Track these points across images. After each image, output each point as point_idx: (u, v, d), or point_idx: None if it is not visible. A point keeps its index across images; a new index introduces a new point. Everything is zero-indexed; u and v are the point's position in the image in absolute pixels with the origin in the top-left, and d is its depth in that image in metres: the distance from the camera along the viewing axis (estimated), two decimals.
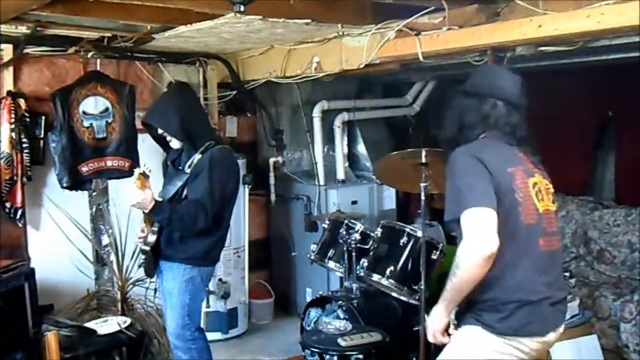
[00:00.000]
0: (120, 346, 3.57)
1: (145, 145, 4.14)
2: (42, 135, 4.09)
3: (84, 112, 4.17)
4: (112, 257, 4.21)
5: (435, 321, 2.25)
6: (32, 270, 3.67)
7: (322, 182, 5.21)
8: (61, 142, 4.06)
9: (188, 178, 3.22)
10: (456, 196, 2.11)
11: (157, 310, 4.02)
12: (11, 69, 3.99)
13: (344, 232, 3.91)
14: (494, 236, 2.03)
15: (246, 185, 4.73)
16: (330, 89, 5.44)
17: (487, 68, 2.80)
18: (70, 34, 3.95)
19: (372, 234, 3.87)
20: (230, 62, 4.83)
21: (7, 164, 3.87)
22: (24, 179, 3.94)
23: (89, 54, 4.19)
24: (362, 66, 3.82)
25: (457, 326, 2.26)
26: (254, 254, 5.11)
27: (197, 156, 3.23)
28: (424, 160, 3.20)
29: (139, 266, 4.04)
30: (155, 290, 3.49)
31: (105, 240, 4.45)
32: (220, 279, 4.58)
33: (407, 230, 3.67)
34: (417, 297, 3.51)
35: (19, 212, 3.98)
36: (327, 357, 3.39)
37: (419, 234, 3.52)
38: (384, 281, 3.63)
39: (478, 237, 2.03)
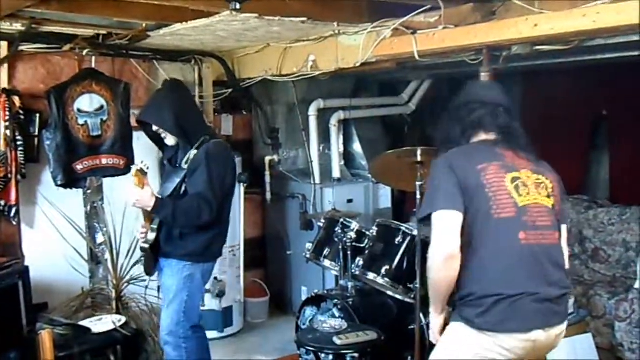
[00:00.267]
0: (115, 345, 3.55)
1: (141, 143, 4.13)
2: (36, 133, 4.06)
3: (79, 110, 4.15)
4: (107, 256, 4.19)
5: (432, 323, 2.35)
6: (27, 269, 3.66)
7: (317, 180, 5.21)
8: (56, 140, 4.04)
9: (186, 174, 3.22)
10: (425, 199, 2.31)
11: (152, 308, 4.01)
12: (6, 66, 3.96)
13: (340, 231, 3.91)
14: (452, 238, 2.15)
15: (242, 184, 4.72)
16: (326, 88, 5.44)
17: (466, 85, 2.83)
18: (66, 31, 3.94)
19: (367, 233, 3.86)
20: (226, 60, 4.82)
21: (2, 162, 3.85)
22: (19, 177, 3.92)
23: (84, 52, 4.17)
24: (358, 65, 3.82)
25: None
26: (250, 252, 5.11)
27: (193, 152, 3.23)
28: (419, 159, 3.20)
29: (134, 264, 4.05)
30: (159, 288, 3.48)
31: (100, 238, 4.43)
32: (215, 278, 4.56)
33: (403, 229, 3.67)
34: (412, 296, 3.52)
35: (13, 210, 3.96)
36: (323, 355, 3.38)
37: (415, 232, 3.53)
38: (380, 280, 3.63)
39: (438, 239, 2.18)
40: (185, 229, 3.23)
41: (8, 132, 3.85)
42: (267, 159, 5.30)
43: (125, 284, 4.07)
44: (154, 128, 3.35)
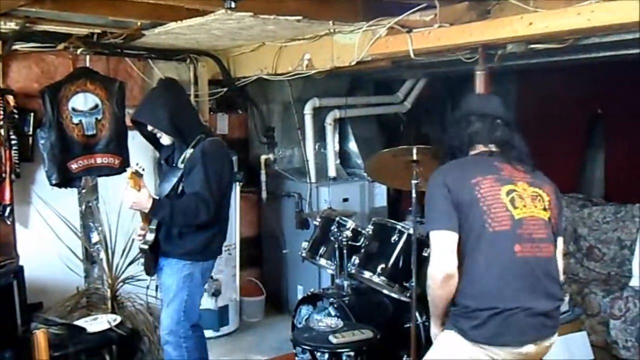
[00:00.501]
0: (110, 344, 3.55)
1: (136, 142, 4.12)
2: (30, 132, 4.05)
3: (74, 109, 4.14)
4: (102, 255, 4.19)
5: (432, 333, 2.44)
6: (21, 268, 3.63)
7: (313, 179, 5.21)
8: (50, 139, 4.02)
9: (183, 173, 3.21)
10: (425, 215, 2.37)
11: (147, 308, 4.00)
12: (0, 65, 3.95)
13: (335, 230, 3.91)
14: (449, 258, 2.20)
15: (237, 183, 4.72)
16: (322, 86, 5.43)
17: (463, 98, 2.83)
18: (60, 30, 3.91)
19: (363, 232, 3.87)
20: (221, 59, 4.81)
21: None
22: (13, 176, 3.91)
23: (79, 51, 4.15)
24: (353, 63, 3.81)
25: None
26: (245, 251, 5.10)
27: (189, 151, 3.22)
28: (415, 157, 3.20)
29: (130, 263, 4.04)
30: (157, 287, 3.47)
31: (94, 237, 4.42)
32: (211, 277, 4.55)
33: (399, 227, 3.68)
34: (408, 295, 3.52)
35: (8, 210, 3.94)
36: (319, 354, 3.40)
37: (410, 231, 3.53)
38: (375, 278, 3.63)
39: (436, 260, 2.23)
40: (184, 228, 3.22)
41: (2, 131, 3.83)
42: (263, 157, 5.29)
43: (121, 284, 4.06)
44: (149, 128, 3.34)
